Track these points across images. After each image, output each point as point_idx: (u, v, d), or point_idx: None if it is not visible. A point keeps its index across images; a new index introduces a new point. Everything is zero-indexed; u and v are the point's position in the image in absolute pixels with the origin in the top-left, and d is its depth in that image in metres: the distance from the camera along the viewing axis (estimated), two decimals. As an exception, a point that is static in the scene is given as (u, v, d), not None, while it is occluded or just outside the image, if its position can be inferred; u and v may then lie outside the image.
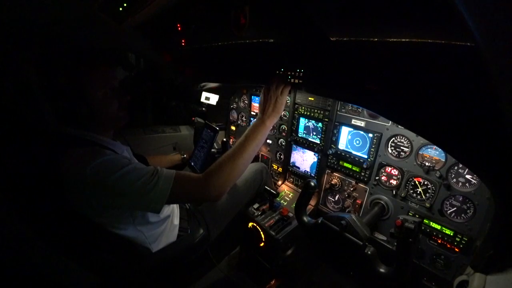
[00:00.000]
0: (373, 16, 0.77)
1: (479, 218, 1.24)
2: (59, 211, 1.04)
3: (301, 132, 2.01)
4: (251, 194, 1.90)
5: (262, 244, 1.81)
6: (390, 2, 0.68)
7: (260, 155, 2.44)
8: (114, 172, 0.98)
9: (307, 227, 1.37)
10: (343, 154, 1.73)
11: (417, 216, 1.43)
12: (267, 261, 1.90)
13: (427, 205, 1.38)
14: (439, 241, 1.37)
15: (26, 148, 1.16)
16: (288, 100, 2.05)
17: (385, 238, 1.59)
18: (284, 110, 2.11)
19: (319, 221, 1.29)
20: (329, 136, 1.80)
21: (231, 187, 1.67)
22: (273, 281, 1.95)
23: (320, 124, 1.85)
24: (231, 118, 2.69)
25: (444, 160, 1.34)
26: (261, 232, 1.78)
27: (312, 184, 1.33)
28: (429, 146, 1.39)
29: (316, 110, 1.85)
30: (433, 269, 1.41)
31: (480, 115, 0.71)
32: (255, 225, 1.81)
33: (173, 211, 1.48)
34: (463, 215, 1.30)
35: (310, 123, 1.93)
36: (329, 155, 1.80)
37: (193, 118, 2.24)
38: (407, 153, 1.47)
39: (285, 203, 2.02)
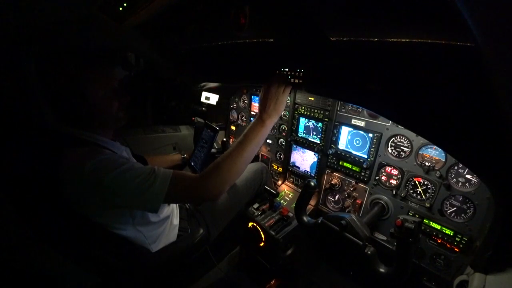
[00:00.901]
0: (373, 16, 0.77)
1: (479, 218, 1.24)
2: (58, 211, 1.04)
3: (301, 132, 2.01)
4: (251, 194, 1.90)
5: (262, 244, 1.81)
6: (390, 2, 0.68)
7: (260, 155, 2.44)
8: (111, 171, 0.97)
9: (307, 227, 1.37)
10: (343, 154, 1.73)
11: (417, 216, 1.43)
12: (267, 261, 1.90)
13: (427, 205, 1.38)
14: (439, 241, 1.37)
15: (25, 148, 1.16)
16: (288, 100, 2.04)
17: (385, 238, 1.59)
18: (284, 110, 2.11)
19: (319, 221, 1.29)
20: (329, 136, 1.80)
21: (231, 186, 1.67)
22: (273, 281, 1.95)
23: (320, 124, 1.85)
24: (231, 118, 2.69)
25: (444, 160, 1.34)
26: (261, 232, 1.78)
27: (312, 184, 1.33)
28: (429, 146, 1.39)
29: (316, 110, 1.85)
30: (433, 269, 1.41)
31: (480, 115, 0.71)
32: (255, 225, 1.81)
33: (173, 211, 1.48)
34: (463, 215, 1.30)
35: (310, 123, 1.93)
36: (329, 155, 1.80)
37: (193, 118, 2.24)
38: (407, 153, 1.47)
39: (285, 203, 2.02)
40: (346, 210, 1.77)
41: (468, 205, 1.28)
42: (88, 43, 1.58)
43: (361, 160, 1.63)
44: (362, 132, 1.62)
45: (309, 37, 1.06)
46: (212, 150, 1.84)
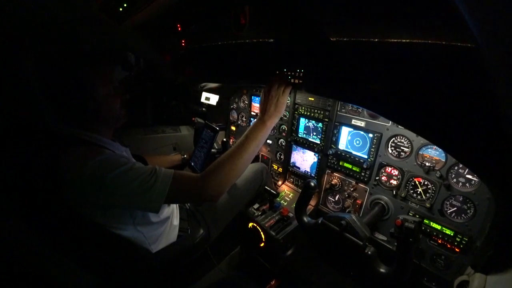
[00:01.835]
0: (373, 16, 0.77)
1: (479, 218, 1.24)
2: (58, 211, 1.04)
3: (301, 132, 2.01)
4: (251, 194, 1.90)
5: (262, 244, 1.81)
6: (390, 2, 0.68)
7: (260, 155, 2.44)
8: (112, 171, 0.97)
9: (307, 228, 1.37)
10: (343, 154, 1.73)
11: (417, 216, 1.43)
12: (267, 261, 1.90)
13: (427, 205, 1.38)
14: (440, 241, 1.37)
15: (26, 148, 1.16)
16: (288, 100, 2.04)
17: (385, 238, 1.59)
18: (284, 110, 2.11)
19: (319, 222, 1.29)
20: (329, 136, 1.80)
21: (231, 187, 1.67)
22: (273, 281, 1.95)
23: (320, 124, 1.85)
24: (231, 118, 2.69)
25: (444, 160, 1.34)
26: (261, 232, 1.77)
27: (312, 184, 1.33)
28: (429, 146, 1.39)
29: (316, 110, 1.85)
30: (433, 269, 1.41)
31: (480, 115, 0.71)
32: (255, 225, 1.81)
33: (173, 211, 1.48)
34: (463, 215, 1.30)
35: (310, 123, 1.93)
36: (329, 155, 1.80)
37: (193, 119, 2.24)
38: (407, 153, 1.47)
39: (285, 203, 2.02)
40: (346, 211, 1.77)
41: (468, 205, 1.28)
42: (88, 43, 1.58)
43: (361, 161, 1.63)
44: (362, 132, 1.62)
45: (309, 38, 1.06)
46: (212, 150, 1.84)
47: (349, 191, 1.76)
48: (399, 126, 1.47)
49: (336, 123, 1.74)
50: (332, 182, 1.84)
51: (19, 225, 1.02)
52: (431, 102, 0.81)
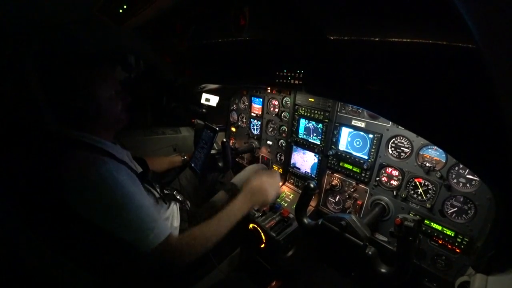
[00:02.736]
0: (373, 15, 0.77)
1: (480, 218, 1.24)
2: (59, 212, 1.04)
3: (301, 133, 2.01)
4: (251, 195, 1.89)
5: (262, 245, 1.80)
6: (388, 2, 0.68)
7: (260, 156, 2.44)
8: (114, 191, 1.00)
9: (308, 229, 1.37)
10: (343, 155, 1.73)
11: (417, 216, 1.43)
12: (267, 262, 1.90)
13: (428, 205, 1.37)
14: (440, 242, 1.36)
15: (27, 149, 1.16)
16: (288, 101, 2.05)
17: (386, 239, 1.58)
18: (284, 111, 2.11)
19: (319, 223, 1.29)
20: (330, 137, 1.79)
21: (232, 187, 1.66)
22: (274, 283, 1.94)
23: (320, 125, 1.85)
24: (231, 120, 2.69)
25: (444, 161, 1.34)
26: (262, 233, 1.77)
27: (312, 185, 1.33)
28: (429, 147, 1.39)
29: (316, 111, 1.85)
30: (434, 270, 1.40)
31: (480, 115, 0.71)
32: (256, 226, 1.80)
33: (173, 213, 1.48)
34: (464, 215, 1.30)
35: (311, 124, 1.92)
36: (329, 156, 1.80)
37: (193, 120, 2.24)
38: (408, 154, 1.47)
39: (286, 204, 2.01)
40: (347, 211, 1.77)
41: (469, 205, 1.28)
42: (88, 44, 1.58)
43: (361, 161, 1.63)
44: (362, 133, 1.62)
45: (308, 37, 1.06)
46: (212, 151, 1.84)
47: (349, 192, 1.76)
48: (399, 127, 1.47)
49: (336, 124, 1.75)
50: (333, 183, 1.84)
51: (20, 226, 1.02)
52: (431, 102, 0.81)
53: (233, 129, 2.66)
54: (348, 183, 1.77)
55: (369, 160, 1.60)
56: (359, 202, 1.71)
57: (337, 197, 1.87)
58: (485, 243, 1.05)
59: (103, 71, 1.13)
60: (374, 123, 1.57)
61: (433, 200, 1.37)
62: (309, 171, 2.02)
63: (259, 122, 2.37)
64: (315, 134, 1.91)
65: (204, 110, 2.61)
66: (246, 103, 2.47)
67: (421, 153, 1.42)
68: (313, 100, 1.88)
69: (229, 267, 2.01)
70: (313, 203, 1.95)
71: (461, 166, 1.29)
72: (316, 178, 1.95)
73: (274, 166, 2.32)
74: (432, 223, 1.39)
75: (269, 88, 2.18)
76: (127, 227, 1.02)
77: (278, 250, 1.74)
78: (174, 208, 1.50)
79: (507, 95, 0.63)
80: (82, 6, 1.18)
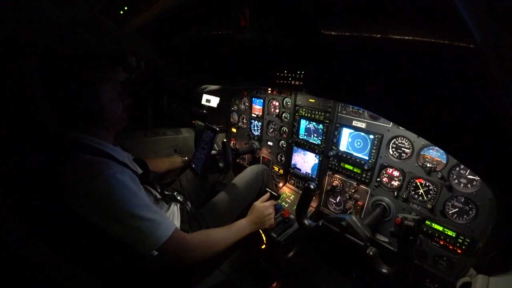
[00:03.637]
0: (370, 12, 0.77)
1: (481, 219, 1.23)
2: (61, 213, 1.04)
3: (302, 134, 2.01)
4: (252, 196, 1.89)
5: (263, 246, 1.80)
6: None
7: (261, 157, 2.44)
8: (116, 196, 1.01)
9: (309, 230, 1.37)
10: (344, 155, 1.73)
11: (418, 216, 1.42)
12: (268, 263, 1.89)
13: (429, 206, 1.37)
14: (441, 243, 1.36)
15: (31, 152, 1.17)
16: (289, 102, 2.05)
17: (387, 240, 1.58)
18: (285, 112, 2.12)
19: (320, 224, 1.28)
20: (330, 137, 1.79)
21: (232, 189, 1.67)
22: (275, 283, 1.94)
23: (321, 126, 1.85)
24: (232, 120, 2.70)
25: (445, 161, 1.34)
26: (263, 234, 1.77)
27: (312, 187, 1.33)
28: (430, 147, 1.39)
29: (317, 112, 1.85)
30: (435, 271, 1.40)
31: (481, 116, 0.71)
32: (256, 227, 1.80)
33: (174, 213, 1.48)
34: (465, 216, 1.29)
35: (311, 125, 1.92)
36: (330, 157, 1.80)
37: (193, 121, 2.24)
38: (408, 154, 1.47)
39: (286, 205, 2.01)
40: (348, 212, 1.77)
41: (470, 206, 1.27)
42: (89, 46, 1.59)
43: (362, 162, 1.63)
44: (363, 134, 1.62)
45: (301, 30, 1.05)
46: (213, 151, 1.84)
47: (350, 192, 1.76)
48: (400, 127, 1.47)
49: (337, 125, 1.75)
50: (333, 184, 1.84)
51: (21, 228, 1.02)
52: (431, 102, 0.81)
53: (234, 130, 2.67)
54: (349, 184, 1.77)
55: (370, 161, 1.60)
56: (360, 203, 1.71)
57: (338, 198, 1.87)
58: (487, 243, 1.04)
59: (106, 72, 1.14)
60: (374, 124, 1.57)
61: (434, 200, 1.37)
62: (309, 172, 2.02)
63: (260, 123, 2.37)
64: (315, 135, 1.91)
65: (204, 111, 2.61)
66: (247, 104, 2.47)
67: (422, 153, 1.42)
68: (313, 100, 1.88)
69: (230, 268, 2.01)
70: (314, 204, 1.95)
71: (462, 166, 1.29)
72: (316, 179, 1.95)
73: (275, 167, 2.32)
74: (433, 224, 1.38)
75: (269, 89, 2.18)
76: (133, 227, 1.03)
77: (279, 251, 1.74)
78: (175, 209, 1.51)
79: (507, 95, 0.63)
80: (83, 7, 1.18)
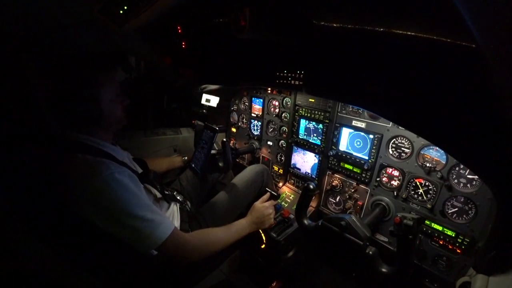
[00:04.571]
0: (374, 4, 0.76)
1: (480, 219, 1.23)
2: (61, 213, 1.04)
3: (301, 133, 2.01)
4: (252, 196, 1.89)
5: (263, 246, 1.80)
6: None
7: (261, 157, 2.44)
8: (115, 196, 1.01)
9: (308, 230, 1.37)
10: (344, 155, 1.73)
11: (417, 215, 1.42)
12: (268, 263, 1.89)
13: (429, 206, 1.37)
14: (441, 243, 1.36)
15: (31, 152, 1.17)
16: (289, 101, 2.05)
17: (386, 240, 1.58)
18: (285, 112, 2.12)
19: (319, 223, 1.29)
20: (330, 137, 1.80)
21: (232, 188, 1.67)
22: (274, 283, 1.94)
23: (320, 126, 1.85)
24: (231, 120, 2.70)
25: (445, 161, 1.34)
26: (262, 234, 1.77)
27: (311, 186, 1.33)
28: (430, 147, 1.39)
29: (316, 112, 1.85)
30: (435, 271, 1.40)
31: (481, 115, 0.71)
32: (256, 227, 1.80)
33: (174, 213, 1.48)
34: (464, 216, 1.30)
35: (311, 124, 1.93)
36: (330, 157, 1.80)
37: (193, 121, 2.24)
38: (408, 154, 1.47)
39: (286, 205, 2.01)
40: (347, 212, 1.77)
41: (469, 206, 1.27)
42: (89, 46, 1.59)
43: (362, 162, 1.63)
44: (362, 134, 1.62)
45: (292, 20, 1.05)
46: (212, 151, 1.84)
47: (350, 192, 1.76)
48: (400, 127, 1.47)
49: (336, 124, 1.75)
50: (333, 184, 1.84)
51: (21, 228, 1.02)
52: (431, 102, 0.81)
53: (234, 130, 2.67)
54: (349, 183, 1.77)
55: (370, 161, 1.60)
56: (359, 202, 1.71)
57: (338, 198, 1.87)
58: (486, 243, 1.04)
59: (105, 74, 1.14)
60: (374, 124, 1.57)
61: (434, 200, 1.37)
62: (309, 171, 2.02)
63: (260, 123, 2.37)
64: (315, 135, 1.92)
65: (204, 111, 2.62)
66: (247, 103, 2.47)
67: (422, 153, 1.42)
68: (313, 100, 1.88)
69: (229, 268, 2.01)
70: (313, 203, 1.95)
71: (461, 166, 1.29)
72: (316, 178, 1.95)
73: (275, 167, 2.32)
74: (432, 224, 1.38)
75: (269, 89, 2.18)
76: (132, 227, 1.03)
77: (278, 251, 1.74)
78: (174, 208, 1.51)
79: (507, 96, 0.63)
80: (83, 7, 1.18)
